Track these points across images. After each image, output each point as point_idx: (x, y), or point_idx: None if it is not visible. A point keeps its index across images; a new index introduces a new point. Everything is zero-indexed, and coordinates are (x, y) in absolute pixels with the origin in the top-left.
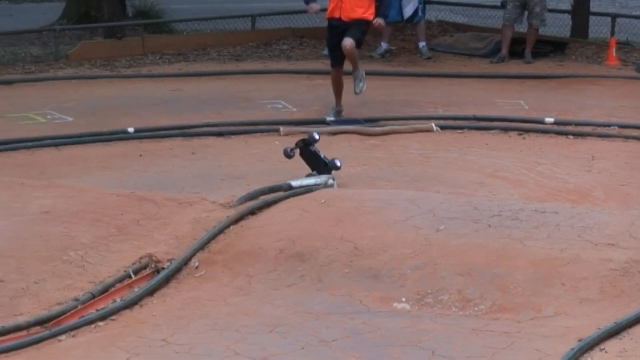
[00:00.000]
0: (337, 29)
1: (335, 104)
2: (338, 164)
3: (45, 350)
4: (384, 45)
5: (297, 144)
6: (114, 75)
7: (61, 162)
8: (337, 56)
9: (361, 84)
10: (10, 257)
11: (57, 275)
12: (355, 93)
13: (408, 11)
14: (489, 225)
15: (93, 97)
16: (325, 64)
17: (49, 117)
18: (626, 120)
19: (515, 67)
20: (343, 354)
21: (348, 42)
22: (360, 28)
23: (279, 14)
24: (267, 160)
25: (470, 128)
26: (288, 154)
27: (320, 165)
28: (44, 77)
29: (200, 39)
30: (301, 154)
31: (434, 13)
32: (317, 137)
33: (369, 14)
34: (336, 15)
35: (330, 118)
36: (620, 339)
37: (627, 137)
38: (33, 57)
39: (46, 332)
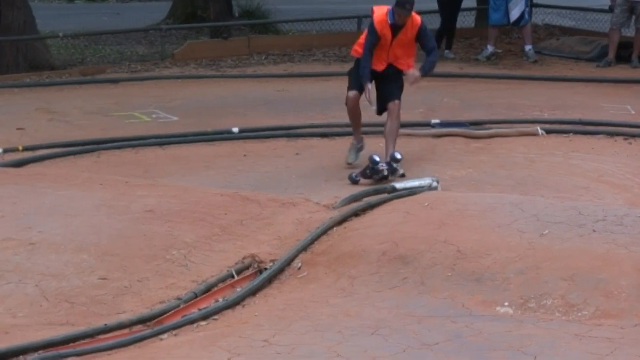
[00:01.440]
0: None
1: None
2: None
3: (147, 349)
4: (490, 48)
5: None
6: (219, 75)
7: (165, 161)
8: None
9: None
10: (114, 255)
11: (160, 274)
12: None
13: (514, 14)
14: (594, 230)
15: (198, 97)
16: None
17: (154, 116)
18: None
19: (621, 71)
20: (444, 358)
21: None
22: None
23: None
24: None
25: (575, 132)
26: (353, 180)
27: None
28: (149, 76)
29: (306, 40)
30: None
31: (540, 16)
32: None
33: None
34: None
35: (435, 121)
36: None
37: None
38: (139, 56)
39: (148, 331)
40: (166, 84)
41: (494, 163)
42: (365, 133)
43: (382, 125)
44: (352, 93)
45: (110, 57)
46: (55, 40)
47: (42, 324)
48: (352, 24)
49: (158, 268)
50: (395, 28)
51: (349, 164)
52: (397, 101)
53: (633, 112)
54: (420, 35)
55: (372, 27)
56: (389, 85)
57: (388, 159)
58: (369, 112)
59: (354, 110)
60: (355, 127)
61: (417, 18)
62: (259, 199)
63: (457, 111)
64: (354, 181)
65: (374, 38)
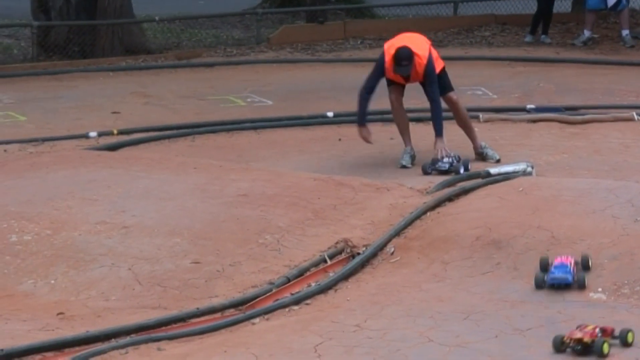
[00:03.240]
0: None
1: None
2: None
3: (238, 333)
4: (586, 33)
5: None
6: (315, 60)
7: (259, 145)
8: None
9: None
10: (207, 239)
11: (253, 258)
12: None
13: None
14: None
15: (293, 81)
16: (526, 51)
17: (248, 100)
18: None
19: None
20: (537, 343)
21: None
22: None
23: (481, 0)
24: (466, 147)
25: None
26: (426, 171)
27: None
28: (244, 61)
29: (402, 24)
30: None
31: (638, 1)
32: (462, 171)
33: None
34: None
35: (530, 106)
36: None
37: None
38: (235, 40)
39: (240, 315)
40: (261, 68)
41: (589, 148)
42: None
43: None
44: (393, 95)
45: (205, 41)
46: (152, 24)
47: (135, 307)
48: (448, 8)
49: (251, 252)
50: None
51: (403, 166)
52: (449, 95)
53: None
54: (426, 79)
55: (381, 68)
56: (430, 88)
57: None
58: None
59: (398, 113)
60: (401, 132)
61: (423, 57)
62: (352, 184)
63: (553, 96)
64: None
65: (380, 78)
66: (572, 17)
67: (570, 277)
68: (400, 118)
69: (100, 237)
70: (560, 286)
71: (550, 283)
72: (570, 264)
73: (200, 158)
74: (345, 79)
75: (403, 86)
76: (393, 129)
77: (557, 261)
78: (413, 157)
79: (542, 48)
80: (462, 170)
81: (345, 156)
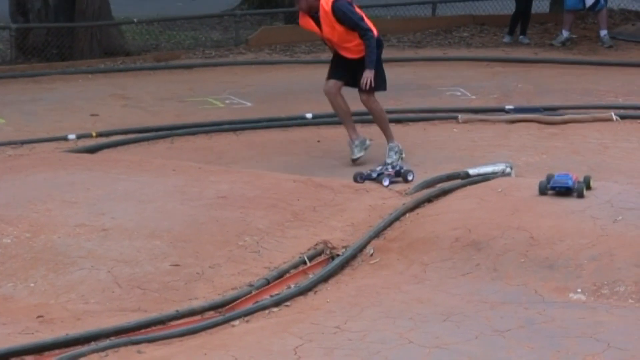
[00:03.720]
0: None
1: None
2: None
3: (218, 335)
4: (565, 34)
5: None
6: (294, 61)
7: (239, 147)
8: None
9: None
10: (186, 241)
11: (232, 260)
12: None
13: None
14: None
15: (272, 83)
16: (505, 52)
17: (227, 101)
18: None
19: None
20: (517, 344)
21: None
22: None
23: (459, 0)
24: (444, 147)
25: None
26: (357, 180)
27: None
28: (223, 62)
29: (381, 25)
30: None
31: (616, 1)
32: (410, 178)
33: None
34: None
35: (509, 106)
36: None
37: None
38: (213, 42)
39: (220, 318)
40: (240, 69)
41: (567, 149)
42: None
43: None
44: (329, 82)
45: (184, 43)
46: (130, 26)
47: (114, 310)
48: (426, 9)
49: (230, 254)
50: (314, 17)
51: (355, 160)
52: (363, 96)
53: None
54: (340, 20)
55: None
56: (355, 76)
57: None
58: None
59: (335, 102)
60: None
61: (328, 1)
62: (332, 185)
63: (532, 97)
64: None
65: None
66: (551, 18)
67: (570, 182)
68: (337, 108)
69: (80, 240)
70: (562, 191)
71: (552, 186)
72: (572, 175)
73: (179, 160)
74: (323, 80)
75: (341, 73)
76: (372, 129)
77: (560, 173)
78: (363, 147)
79: (521, 48)
80: (387, 183)
81: (325, 157)
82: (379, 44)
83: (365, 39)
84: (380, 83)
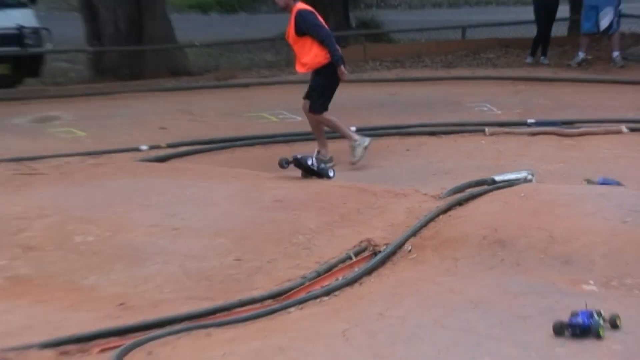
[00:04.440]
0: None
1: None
2: (330, 174)
3: (276, 321)
4: (581, 55)
5: (291, 161)
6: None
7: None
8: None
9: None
10: (247, 239)
11: (287, 256)
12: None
13: (604, 23)
14: None
15: None
16: (527, 71)
17: (280, 116)
18: None
19: None
20: (537, 329)
21: None
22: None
23: (486, 25)
24: (473, 157)
25: None
26: (282, 165)
27: (312, 174)
28: (276, 81)
29: (416, 48)
30: (295, 166)
31: (627, 25)
32: (309, 162)
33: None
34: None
35: (530, 120)
36: None
37: None
38: (267, 63)
39: (277, 305)
40: (291, 88)
41: (583, 158)
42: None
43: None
44: (304, 101)
45: (241, 63)
46: (193, 49)
47: (186, 298)
48: (457, 33)
49: (285, 251)
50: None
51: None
52: (306, 105)
53: None
54: (298, 24)
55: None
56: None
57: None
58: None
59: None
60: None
61: (298, 6)
62: (374, 190)
63: (551, 111)
64: (282, 167)
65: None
66: (568, 41)
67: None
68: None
69: (154, 238)
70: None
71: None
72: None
73: (239, 168)
74: (365, 97)
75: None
76: (408, 141)
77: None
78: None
79: (541, 68)
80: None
81: (368, 166)
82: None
83: (325, 44)
84: (320, 97)
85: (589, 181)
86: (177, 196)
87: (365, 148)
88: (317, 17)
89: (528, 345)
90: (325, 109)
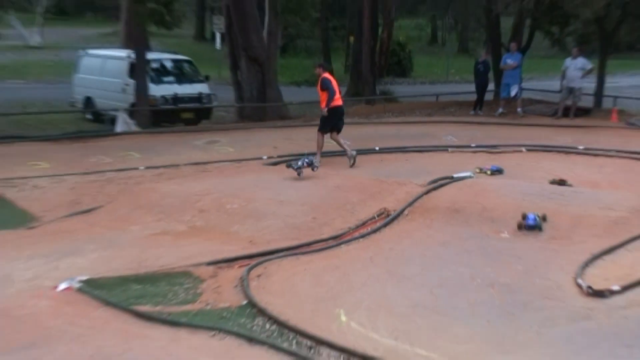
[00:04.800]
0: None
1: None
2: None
3: (334, 252)
4: (500, 110)
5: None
6: (369, 122)
7: (343, 162)
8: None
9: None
10: (319, 207)
11: (340, 216)
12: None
13: (513, 92)
14: (550, 198)
15: (359, 133)
16: (471, 118)
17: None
18: (621, 146)
19: (564, 121)
20: (475, 257)
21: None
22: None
23: (449, 94)
24: (441, 164)
25: (532, 149)
26: (289, 166)
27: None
28: None
29: (411, 105)
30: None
31: (526, 94)
32: (299, 163)
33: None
34: (340, 103)
35: (473, 144)
36: (612, 254)
37: (621, 156)
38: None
39: (335, 243)
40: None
41: (501, 164)
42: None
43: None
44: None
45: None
46: (292, 105)
47: (285, 239)
48: (433, 97)
49: (340, 213)
50: None
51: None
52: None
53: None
54: (321, 85)
55: None
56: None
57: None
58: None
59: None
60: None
61: (323, 75)
62: (387, 181)
63: (483, 140)
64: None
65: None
66: (493, 102)
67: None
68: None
69: (269, 206)
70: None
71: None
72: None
73: (321, 170)
74: (383, 131)
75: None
76: (409, 156)
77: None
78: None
79: (478, 117)
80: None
81: (384, 168)
82: (338, 109)
83: (328, 96)
84: (322, 125)
85: (480, 169)
86: (282, 184)
87: (314, 168)
88: (330, 82)
89: (470, 263)
90: (323, 131)
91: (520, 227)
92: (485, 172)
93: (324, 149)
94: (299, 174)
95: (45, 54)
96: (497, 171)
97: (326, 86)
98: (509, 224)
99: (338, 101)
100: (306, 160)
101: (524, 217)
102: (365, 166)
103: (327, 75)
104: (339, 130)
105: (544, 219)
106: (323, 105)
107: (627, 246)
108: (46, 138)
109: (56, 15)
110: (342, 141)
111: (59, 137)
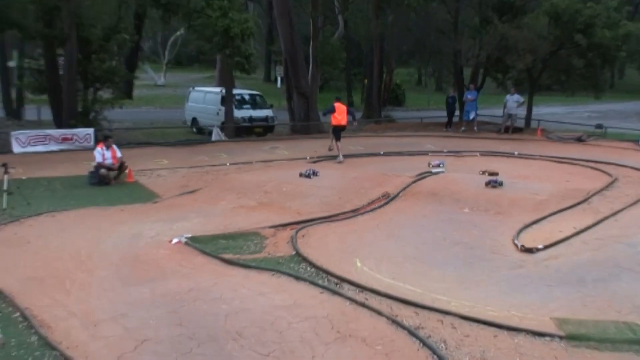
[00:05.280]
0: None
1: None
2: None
3: (353, 220)
4: (463, 128)
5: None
6: (378, 135)
7: (362, 162)
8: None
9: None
10: (343, 190)
11: (357, 196)
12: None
13: (471, 116)
14: (495, 186)
15: (374, 142)
16: (443, 134)
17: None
18: (543, 152)
19: (499, 136)
20: (447, 225)
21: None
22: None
23: (430, 117)
24: (424, 163)
25: (492, 155)
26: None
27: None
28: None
29: (404, 124)
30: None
31: (480, 117)
32: (306, 173)
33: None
34: (343, 123)
35: (446, 150)
36: (538, 224)
37: (543, 159)
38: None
39: (353, 215)
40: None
41: (463, 166)
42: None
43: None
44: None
45: None
46: (326, 125)
47: (321, 211)
48: (419, 120)
49: (356, 195)
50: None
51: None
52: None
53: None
54: (329, 109)
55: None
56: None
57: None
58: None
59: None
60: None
61: (335, 102)
62: (388, 174)
63: (453, 147)
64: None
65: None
66: (458, 123)
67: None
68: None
69: (310, 189)
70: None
71: (491, 182)
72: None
73: (347, 166)
74: (385, 142)
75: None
76: (402, 157)
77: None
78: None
79: (449, 132)
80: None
81: (387, 165)
82: (337, 127)
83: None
84: (333, 135)
85: (429, 164)
86: (322, 174)
87: (340, 162)
88: (335, 108)
89: (443, 229)
90: (335, 138)
91: (487, 184)
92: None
93: (346, 153)
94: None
95: (167, 90)
96: (438, 165)
97: (332, 109)
98: (469, 203)
99: (340, 121)
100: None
101: (488, 182)
102: (373, 164)
103: (336, 103)
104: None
105: (500, 183)
106: (332, 122)
107: (548, 219)
108: (166, 144)
109: (175, 65)
110: (339, 146)
111: (175, 143)
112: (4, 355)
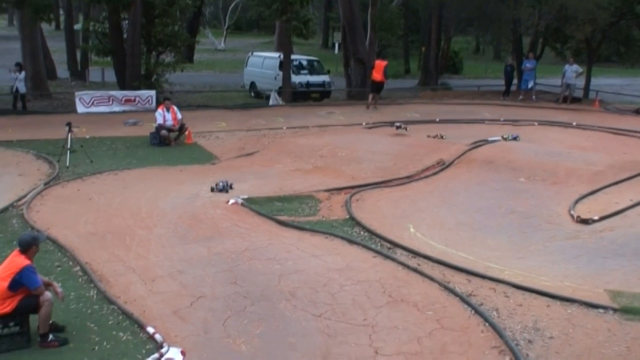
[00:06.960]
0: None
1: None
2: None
3: (407, 186)
4: (520, 97)
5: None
6: (434, 102)
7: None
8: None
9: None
10: (398, 156)
11: (412, 162)
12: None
13: (529, 85)
14: (551, 156)
15: (425, 110)
16: (501, 102)
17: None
18: (600, 123)
19: (556, 106)
20: (502, 194)
21: None
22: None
23: (485, 85)
24: (479, 132)
25: (543, 124)
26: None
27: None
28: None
29: (460, 93)
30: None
31: (538, 87)
32: None
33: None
34: (378, 79)
35: (502, 118)
36: (594, 195)
37: (600, 130)
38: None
39: (407, 181)
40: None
41: (525, 133)
42: None
43: None
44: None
45: None
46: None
47: (375, 177)
48: (476, 88)
49: (412, 161)
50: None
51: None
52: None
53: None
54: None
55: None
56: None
57: None
58: None
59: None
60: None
61: (376, 60)
62: (443, 141)
63: (511, 116)
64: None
65: None
66: (516, 92)
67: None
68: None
69: (365, 154)
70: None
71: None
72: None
73: (411, 133)
74: (443, 109)
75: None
76: (459, 125)
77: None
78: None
79: (506, 101)
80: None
81: (442, 132)
82: (374, 82)
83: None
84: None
85: (502, 137)
86: (376, 140)
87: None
88: (374, 65)
89: (498, 197)
90: (373, 93)
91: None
92: (506, 139)
93: (402, 119)
94: (397, 128)
95: (227, 55)
96: (514, 138)
97: (371, 66)
98: (525, 172)
99: (375, 77)
100: (397, 124)
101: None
102: (429, 131)
103: (376, 61)
104: (378, 92)
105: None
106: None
107: (604, 190)
108: (225, 107)
109: (234, 30)
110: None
111: (233, 107)
112: (64, 308)
